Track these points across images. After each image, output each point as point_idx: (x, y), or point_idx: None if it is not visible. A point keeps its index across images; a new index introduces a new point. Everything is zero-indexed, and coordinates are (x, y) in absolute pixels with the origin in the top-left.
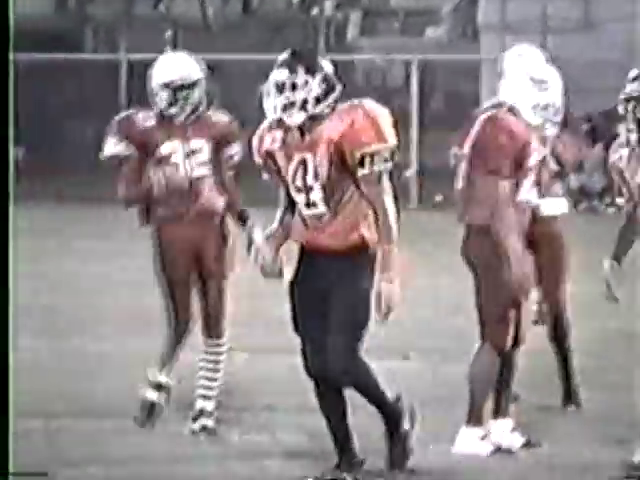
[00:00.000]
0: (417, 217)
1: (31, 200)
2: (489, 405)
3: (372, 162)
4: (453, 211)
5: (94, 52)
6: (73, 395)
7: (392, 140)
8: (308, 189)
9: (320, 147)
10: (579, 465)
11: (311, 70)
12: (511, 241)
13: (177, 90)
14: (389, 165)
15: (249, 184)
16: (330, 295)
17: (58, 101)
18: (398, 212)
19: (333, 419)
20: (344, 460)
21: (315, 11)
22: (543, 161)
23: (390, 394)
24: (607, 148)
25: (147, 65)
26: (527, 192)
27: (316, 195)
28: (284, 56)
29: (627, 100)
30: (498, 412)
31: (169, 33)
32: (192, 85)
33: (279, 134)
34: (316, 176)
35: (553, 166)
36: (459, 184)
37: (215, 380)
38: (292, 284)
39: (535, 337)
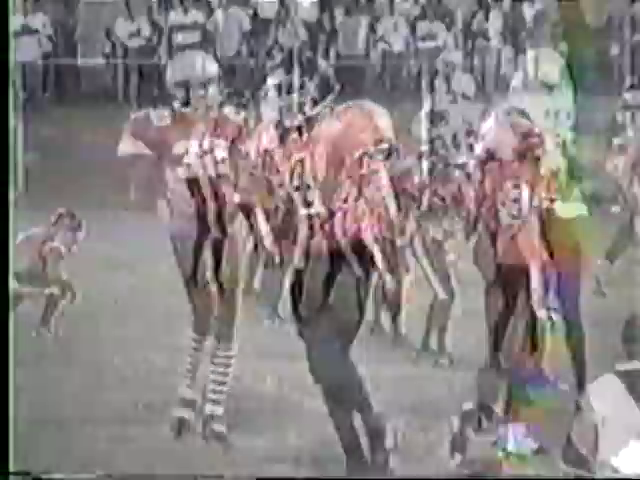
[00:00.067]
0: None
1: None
2: None
3: (370, 162)
4: None
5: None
6: (78, 399)
7: (390, 140)
8: (306, 188)
9: (318, 147)
10: None
11: (308, 72)
12: None
13: (192, 89)
14: (387, 164)
15: None
16: (327, 294)
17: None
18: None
19: (340, 423)
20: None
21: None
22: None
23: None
24: None
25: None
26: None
27: (313, 194)
28: (282, 58)
29: (625, 108)
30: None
31: None
32: (207, 83)
33: (277, 134)
34: (314, 176)
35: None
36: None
37: (224, 384)
38: (292, 284)
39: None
